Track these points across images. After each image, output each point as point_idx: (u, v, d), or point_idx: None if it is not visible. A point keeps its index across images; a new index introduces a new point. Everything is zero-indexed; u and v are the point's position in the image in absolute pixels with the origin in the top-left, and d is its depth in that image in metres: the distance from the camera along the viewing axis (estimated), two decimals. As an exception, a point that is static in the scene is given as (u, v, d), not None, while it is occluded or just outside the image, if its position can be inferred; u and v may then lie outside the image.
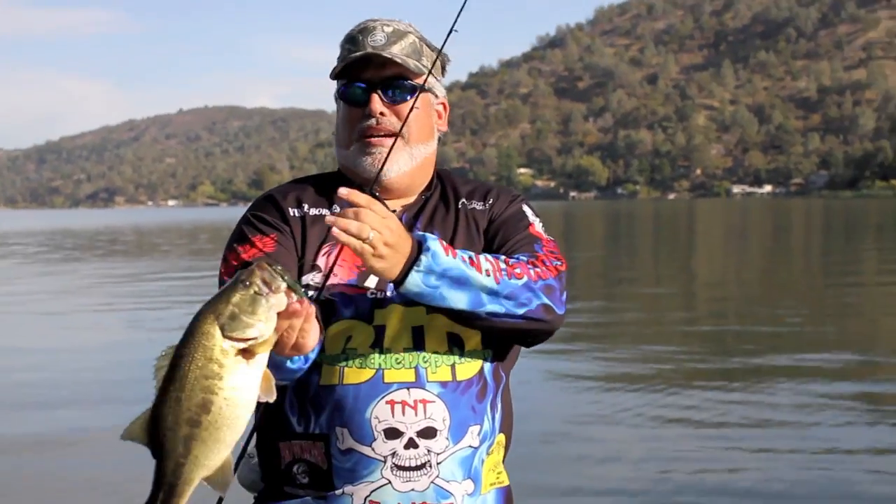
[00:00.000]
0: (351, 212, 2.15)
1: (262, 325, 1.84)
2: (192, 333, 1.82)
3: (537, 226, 2.58)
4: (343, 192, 2.18)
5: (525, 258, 2.43)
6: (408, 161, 2.53)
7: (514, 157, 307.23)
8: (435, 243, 2.27)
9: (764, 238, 43.17)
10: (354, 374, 2.35)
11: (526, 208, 2.62)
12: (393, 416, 2.33)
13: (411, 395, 2.34)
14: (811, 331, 13.93)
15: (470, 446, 2.39)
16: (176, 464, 1.83)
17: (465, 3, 2.61)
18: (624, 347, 12.30)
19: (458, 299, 2.29)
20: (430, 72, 2.56)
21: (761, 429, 8.19)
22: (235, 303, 1.83)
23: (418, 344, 2.37)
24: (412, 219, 2.54)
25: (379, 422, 2.32)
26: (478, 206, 2.60)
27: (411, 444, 2.33)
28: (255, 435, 2.46)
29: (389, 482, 2.33)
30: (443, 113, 2.66)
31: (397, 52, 2.50)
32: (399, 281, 2.24)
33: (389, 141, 2.49)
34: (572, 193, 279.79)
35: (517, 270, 2.36)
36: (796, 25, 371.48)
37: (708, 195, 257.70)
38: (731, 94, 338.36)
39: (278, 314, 1.88)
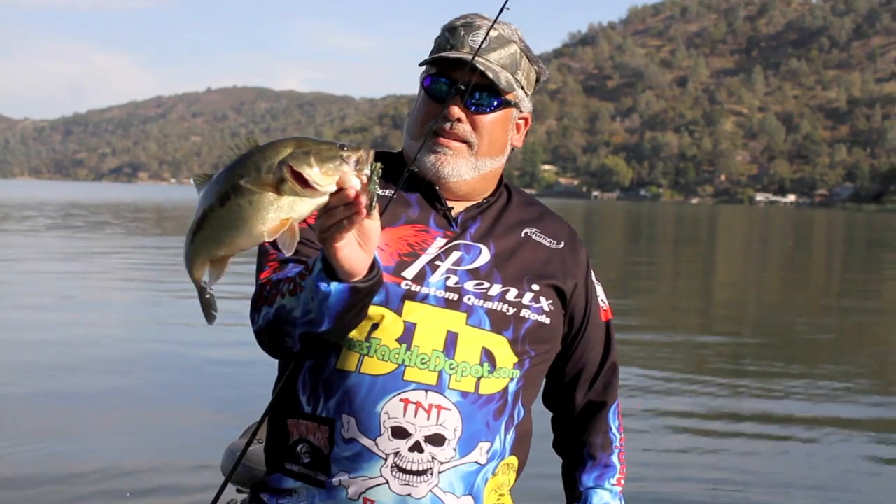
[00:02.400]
0: None
1: (318, 175, 1.83)
2: (272, 143, 1.86)
3: (602, 303, 2.67)
4: None
5: (618, 439, 2.69)
6: (470, 171, 2.46)
7: (539, 153, 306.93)
8: None
9: (785, 249, 42.87)
10: (374, 364, 2.29)
11: (594, 278, 2.66)
12: (404, 415, 2.28)
13: (428, 398, 2.29)
14: (825, 347, 13.73)
15: (476, 462, 2.34)
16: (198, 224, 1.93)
17: None
18: (632, 355, 12.12)
19: None
20: (521, 87, 2.50)
21: (772, 441, 8.02)
22: (317, 147, 1.84)
23: (449, 349, 2.31)
24: (470, 220, 2.50)
25: (389, 418, 2.28)
26: (545, 241, 2.55)
27: (416, 448, 2.28)
28: (265, 421, 2.43)
29: (387, 482, 2.28)
30: (522, 126, 2.58)
31: (494, 60, 2.43)
32: None
33: (457, 144, 2.44)
34: (595, 192, 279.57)
35: (624, 471, 2.68)
36: (830, 35, 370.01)
37: (731, 201, 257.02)
38: (761, 100, 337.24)
39: (337, 189, 1.86)
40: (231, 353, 10.51)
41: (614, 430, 2.67)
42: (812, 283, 25.08)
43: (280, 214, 1.84)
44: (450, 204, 2.50)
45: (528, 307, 2.39)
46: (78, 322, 13.17)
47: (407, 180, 2.45)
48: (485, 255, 2.43)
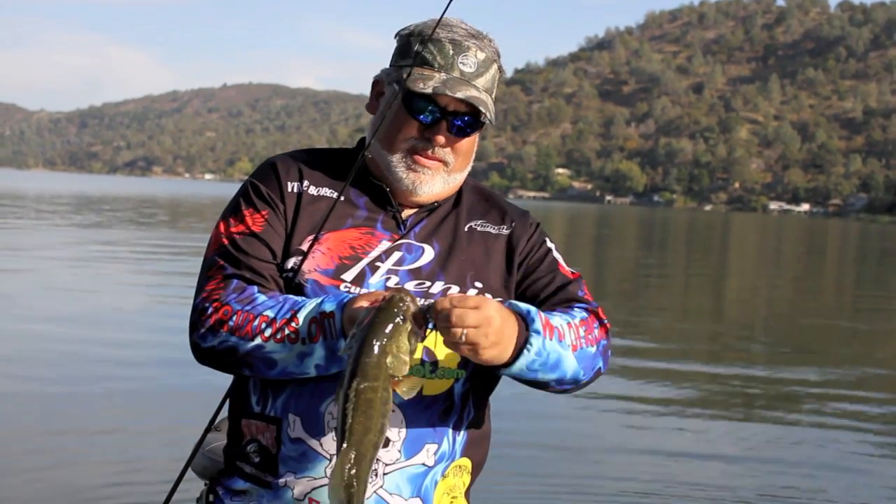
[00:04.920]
0: (454, 316, 2.05)
1: (409, 362, 2.00)
2: (367, 367, 1.94)
3: (563, 264, 2.55)
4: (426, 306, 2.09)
5: (587, 314, 2.41)
6: (442, 186, 2.47)
7: (553, 156, 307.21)
8: (537, 322, 2.21)
9: (797, 259, 42.67)
10: None
11: (550, 244, 2.58)
12: None
13: None
14: (837, 359, 13.59)
15: (423, 464, 2.34)
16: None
17: None
18: (641, 368, 11.99)
19: (548, 378, 2.28)
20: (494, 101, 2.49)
21: (776, 464, 7.88)
22: (398, 343, 1.95)
23: None
24: (416, 223, 2.49)
25: (332, 418, 2.25)
26: (492, 229, 2.54)
27: None
28: (219, 412, 2.43)
29: None
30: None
31: (481, 85, 2.42)
32: (507, 363, 2.20)
33: (436, 164, 2.44)
34: (608, 197, 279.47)
35: (590, 336, 2.35)
36: (847, 45, 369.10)
37: (744, 209, 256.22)
38: (776, 109, 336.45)
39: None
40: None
41: (577, 310, 2.43)
42: (826, 296, 24.89)
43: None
44: (405, 212, 2.50)
45: None
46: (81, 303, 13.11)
47: (358, 182, 2.47)
48: (428, 254, 2.43)
